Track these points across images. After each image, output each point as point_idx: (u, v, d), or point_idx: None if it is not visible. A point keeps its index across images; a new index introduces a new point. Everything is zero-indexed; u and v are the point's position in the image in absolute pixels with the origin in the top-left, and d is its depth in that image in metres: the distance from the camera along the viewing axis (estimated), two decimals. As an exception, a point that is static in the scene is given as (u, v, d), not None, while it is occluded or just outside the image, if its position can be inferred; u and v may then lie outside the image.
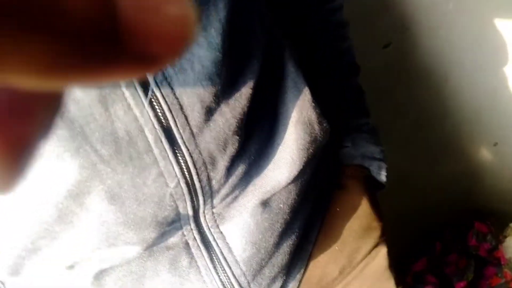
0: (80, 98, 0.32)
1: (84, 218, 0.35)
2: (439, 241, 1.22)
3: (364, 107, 0.56)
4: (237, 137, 0.38)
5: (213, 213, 0.40)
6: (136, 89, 0.33)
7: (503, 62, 0.97)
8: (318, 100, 0.45)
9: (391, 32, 0.83)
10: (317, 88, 0.45)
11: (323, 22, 0.52)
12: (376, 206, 0.52)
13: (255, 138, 0.41)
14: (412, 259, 1.22)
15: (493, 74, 0.99)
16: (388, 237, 0.53)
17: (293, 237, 0.44)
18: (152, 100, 0.33)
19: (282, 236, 0.43)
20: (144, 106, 0.33)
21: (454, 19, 0.86)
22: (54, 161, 0.32)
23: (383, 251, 0.50)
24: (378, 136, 0.55)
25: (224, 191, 0.39)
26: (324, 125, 0.45)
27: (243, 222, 0.41)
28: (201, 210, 0.39)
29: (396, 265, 0.53)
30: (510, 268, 1.14)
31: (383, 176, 0.53)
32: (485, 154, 1.14)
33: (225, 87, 0.36)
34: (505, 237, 1.18)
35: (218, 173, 0.38)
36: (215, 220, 0.40)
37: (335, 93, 0.54)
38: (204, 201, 0.38)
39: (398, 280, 0.53)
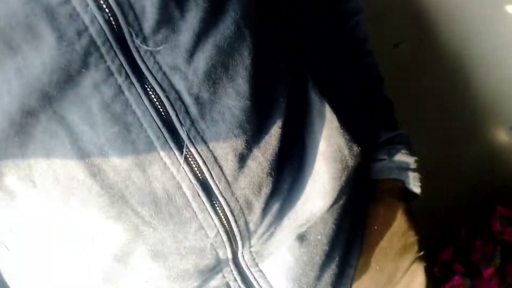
0: (118, 164, 0.32)
1: (129, 276, 0.35)
2: (464, 227, 1.21)
3: (394, 118, 0.55)
4: (271, 178, 0.38)
5: (251, 252, 0.40)
6: (171, 148, 0.33)
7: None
8: (347, 120, 0.44)
9: (401, 30, 0.82)
10: (346, 105, 0.45)
11: (345, 39, 0.51)
12: (412, 220, 0.51)
13: (286, 174, 0.40)
14: (438, 248, 1.22)
15: (508, 59, 0.97)
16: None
17: (333, 266, 0.44)
18: (187, 156, 0.34)
19: (323, 267, 0.43)
20: (180, 164, 0.33)
21: (464, 7, 0.85)
22: (98, 227, 0.33)
23: (421, 267, 0.50)
24: (411, 146, 0.54)
25: (260, 230, 0.39)
26: (355, 149, 0.44)
27: (282, 259, 0.41)
28: (239, 252, 0.39)
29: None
30: (537, 251, 1.13)
31: (418, 188, 0.52)
32: (503, 138, 1.13)
33: (255, 131, 0.36)
34: (530, 219, 1.17)
35: (254, 216, 0.38)
36: (254, 259, 0.40)
37: (365, 108, 0.53)
38: (243, 244, 0.39)
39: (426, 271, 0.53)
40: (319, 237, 0.43)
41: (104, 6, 0.29)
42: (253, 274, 0.41)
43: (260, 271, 0.41)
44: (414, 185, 0.52)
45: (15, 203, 0.33)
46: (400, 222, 0.50)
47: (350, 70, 0.52)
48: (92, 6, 0.28)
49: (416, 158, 0.53)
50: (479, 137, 1.11)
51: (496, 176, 1.19)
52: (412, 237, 0.50)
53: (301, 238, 0.42)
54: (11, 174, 0.31)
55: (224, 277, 0.40)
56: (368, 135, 0.51)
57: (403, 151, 0.52)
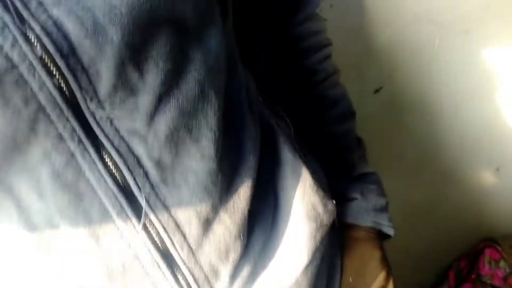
0: (69, 235, 0.29)
1: None
2: (453, 272, 1.19)
3: (365, 156, 0.55)
4: (239, 242, 0.36)
5: None
6: (128, 215, 0.31)
7: (496, 89, 0.96)
8: (320, 174, 0.43)
9: (380, 76, 0.82)
10: (317, 136, 0.43)
11: (310, 73, 0.51)
12: (386, 261, 0.50)
13: (257, 234, 0.38)
14: (426, 293, 1.19)
15: (486, 102, 0.98)
16: (401, 272, 0.51)
17: None
18: (146, 223, 0.31)
19: None
20: (137, 232, 0.31)
21: (440, 55, 0.86)
22: None
23: None
24: (382, 187, 0.53)
25: None
26: (329, 206, 0.42)
27: None
28: None
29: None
30: (528, 295, 1.10)
31: (391, 230, 0.51)
32: (489, 179, 1.12)
33: (221, 193, 0.34)
34: (519, 262, 1.15)
35: (222, 283, 0.36)
36: None
37: (334, 142, 0.52)
38: None
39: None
40: None
41: (54, 71, 0.27)
42: None
43: None
44: (389, 226, 0.51)
45: None
46: (374, 264, 0.49)
47: (315, 100, 0.52)
48: (41, 72, 0.27)
49: (387, 200, 0.52)
50: (466, 179, 1.10)
51: (484, 219, 1.18)
52: (386, 279, 0.49)
53: None
54: None
55: None
56: (340, 167, 0.50)
57: (375, 192, 0.52)
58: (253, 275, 0.38)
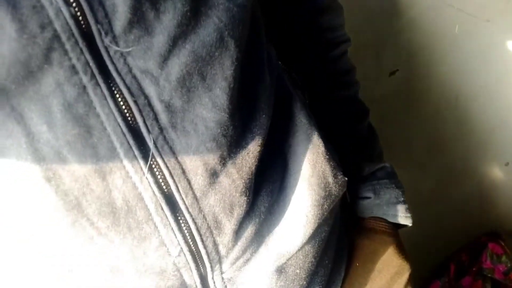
0: (76, 170, 0.29)
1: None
2: (454, 264, 1.18)
3: (379, 150, 0.53)
4: (245, 198, 0.35)
5: (222, 278, 0.37)
6: (135, 156, 0.31)
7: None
8: (332, 151, 0.42)
9: (397, 59, 0.81)
10: (329, 137, 0.43)
11: (326, 71, 0.50)
12: (403, 250, 0.49)
13: (264, 195, 0.38)
14: (426, 283, 1.18)
15: (502, 95, 0.96)
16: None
17: None
18: (153, 166, 0.31)
19: None
20: (143, 174, 0.31)
21: (460, 43, 0.84)
22: (50, 233, 0.30)
23: None
24: (396, 177, 0.52)
25: (233, 255, 0.37)
26: (340, 177, 0.42)
27: None
28: (209, 277, 0.37)
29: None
30: (527, 292, 1.10)
31: (408, 219, 0.50)
32: (498, 174, 1.11)
33: (231, 147, 0.34)
34: (521, 258, 1.15)
35: (225, 237, 0.35)
36: (225, 286, 0.38)
37: (346, 141, 0.51)
38: (212, 267, 0.36)
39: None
40: (297, 271, 0.40)
41: (71, 0, 0.27)
42: None
43: None
44: (405, 217, 0.50)
45: None
46: (390, 255, 0.48)
47: (330, 99, 0.51)
48: None
49: (403, 189, 0.51)
50: (473, 173, 1.09)
51: (490, 213, 1.17)
52: (403, 268, 0.48)
53: (279, 270, 0.39)
54: None
55: None
56: (350, 169, 0.48)
57: (388, 186, 0.50)
58: (257, 238, 0.38)
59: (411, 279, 0.48)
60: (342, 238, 0.48)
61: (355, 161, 0.51)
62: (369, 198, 0.50)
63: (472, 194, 1.11)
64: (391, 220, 0.50)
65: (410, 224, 0.50)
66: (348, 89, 0.51)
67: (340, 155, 0.46)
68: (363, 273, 0.48)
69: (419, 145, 0.97)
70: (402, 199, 0.50)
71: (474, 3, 0.80)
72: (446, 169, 1.04)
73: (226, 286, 0.38)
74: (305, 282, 0.41)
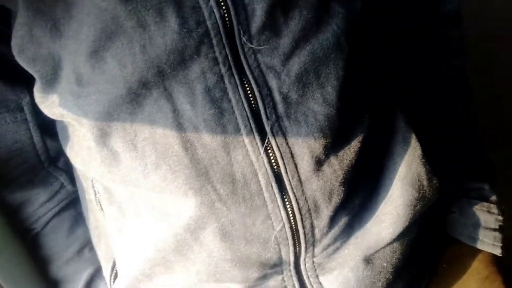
0: (208, 143, 0.36)
1: (197, 252, 0.39)
2: None
3: (483, 168, 0.51)
4: (343, 188, 0.39)
5: (313, 262, 0.41)
6: (254, 137, 0.36)
7: None
8: (429, 157, 0.43)
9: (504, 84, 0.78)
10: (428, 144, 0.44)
11: (438, 36, 0.50)
12: (496, 266, 0.48)
13: (359, 191, 0.41)
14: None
15: None
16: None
17: None
18: (268, 148, 0.37)
19: None
20: (260, 153, 0.36)
21: None
22: (179, 196, 0.37)
23: None
24: (493, 202, 0.50)
25: (326, 241, 0.40)
26: (434, 182, 0.43)
27: (343, 276, 0.41)
28: (302, 258, 0.40)
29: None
30: None
31: (498, 249, 0.48)
32: None
33: (335, 140, 0.38)
34: None
35: (321, 222, 0.39)
36: (315, 270, 0.41)
37: (447, 149, 0.51)
38: (306, 248, 0.40)
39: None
40: (384, 264, 0.42)
41: (222, 3, 0.34)
42: (312, 285, 0.42)
43: (320, 283, 0.42)
44: (494, 245, 0.48)
45: (115, 165, 0.38)
46: (480, 267, 0.47)
47: (440, 69, 0.50)
48: (212, 2, 0.34)
49: (499, 217, 0.49)
50: None
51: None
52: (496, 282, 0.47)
53: (367, 260, 0.42)
54: (118, 136, 0.37)
55: (283, 280, 0.41)
56: (447, 179, 0.47)
57: (477, 207, 0.49)
58: (349, 228, 0.41)
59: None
60: (432, 246, 0.48)
61: (454, 172, 0.50)
62: (453, 212, 0.50)
63: None
64: (478, 246, 0.49)
65: (499, 254, 0.48)
66: (460, 57, 0.51)
67: (440, 164, 0.46)
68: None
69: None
70: (495, 226, 0.49)
71: None
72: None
73: (315, 270, 0.41)
74: (391, 277, 0.42)
